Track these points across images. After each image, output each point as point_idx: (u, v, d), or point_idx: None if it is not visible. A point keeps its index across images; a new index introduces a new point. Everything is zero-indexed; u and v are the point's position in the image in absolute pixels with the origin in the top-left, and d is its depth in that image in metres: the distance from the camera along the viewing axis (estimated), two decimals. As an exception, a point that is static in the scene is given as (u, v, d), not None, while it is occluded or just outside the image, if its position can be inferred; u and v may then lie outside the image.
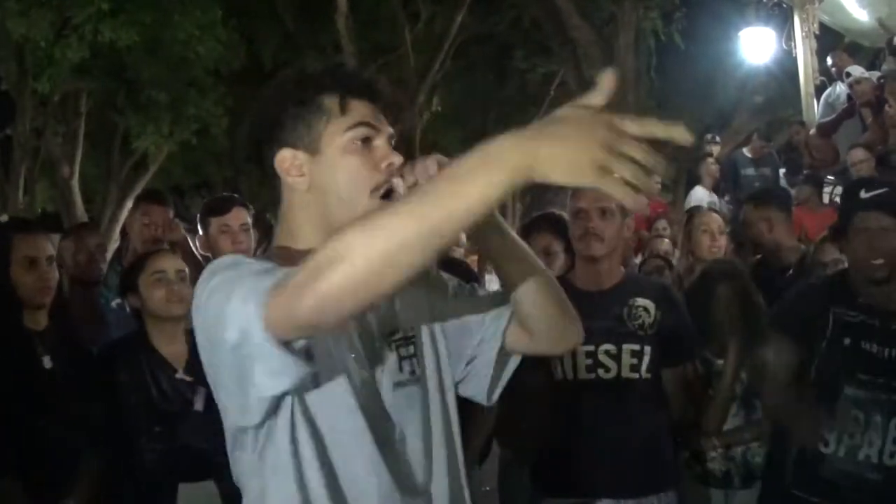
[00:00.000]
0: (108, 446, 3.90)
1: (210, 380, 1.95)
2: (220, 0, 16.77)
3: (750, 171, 11.63)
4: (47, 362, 3.83)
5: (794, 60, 13.14)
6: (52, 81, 16.49)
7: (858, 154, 9.15)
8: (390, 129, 2.06)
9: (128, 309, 5.02)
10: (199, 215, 5.08)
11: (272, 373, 1.74)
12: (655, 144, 1.69)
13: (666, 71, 19.01)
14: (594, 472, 3.74)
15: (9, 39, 16.03)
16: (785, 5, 13.71)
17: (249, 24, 19.55)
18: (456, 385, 2.28)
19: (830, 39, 13.51)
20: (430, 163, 1.97)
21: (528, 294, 2.15)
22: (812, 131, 11.54)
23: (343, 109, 2.01)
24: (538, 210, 5.99)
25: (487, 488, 5.04)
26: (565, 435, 3.77)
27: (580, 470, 3.77)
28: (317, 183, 2.02)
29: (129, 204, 17.31)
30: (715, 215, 5.89)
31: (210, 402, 3.90)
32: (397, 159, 2.01)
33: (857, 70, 11.14)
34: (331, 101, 2.01)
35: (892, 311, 3.52)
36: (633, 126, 1.59)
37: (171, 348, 4.02)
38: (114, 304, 5.13)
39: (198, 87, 17.81)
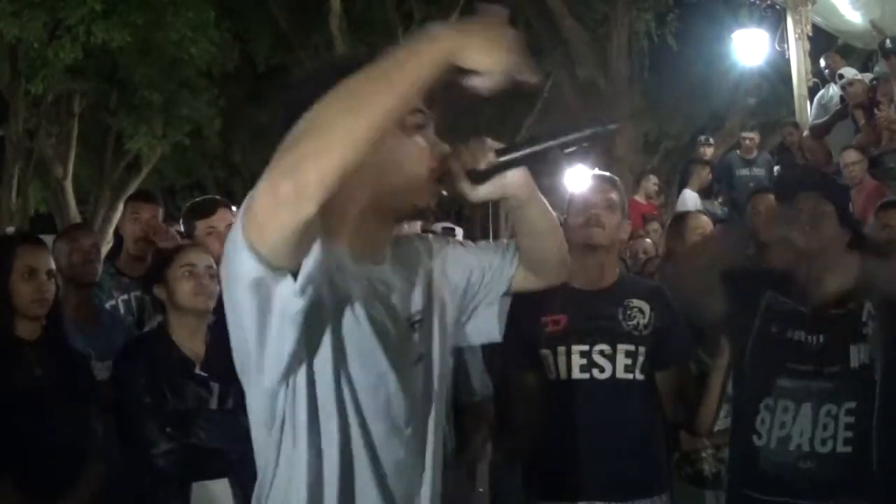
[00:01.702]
0: (107, 451, 3.90)
1: (237, 349, 1.93)
2: (212, 1, 16.77)
3: (744, 172, 11.65)
4: (38, 371, 3.83)
5: (788, 62, 13.16)
6: (44, 82, 16.48)
7: (851, 156, 9.16)
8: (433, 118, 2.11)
9: (122, 310, 5.03)
10: (183, 220, 5.05)
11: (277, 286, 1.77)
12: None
13: (659, 72, 19.08)
14: (587, 473, 3.73)
15: (1, 40, 16.01)
16: (778, 7, 13.74)
17: (242, 25, 19.56)
18: (465, 338, 2.40)
19: (823, 41, 13.54)
20: (486, 148, 2.06)
21: (548, 241, 2.30)
22: (805, 133, 11.56)
23: None
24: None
25: (481, 490, 5.03)
26: (558, 436, 3.76)
27: (573, 472, 3.75)
28: (369, 166, 1.85)
29: (122, 205, 17.33)
30: (704, 217, 5.87)
31: (223, 399, 3.94)
32: (445, 147, 2.09)
33: (850, 72, 11.16)
34: None
35: (823, 296, 3.45)
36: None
37: (191, 343, 4.03)
38: (108, 305, 5.12)
39: (190, 88, 17.83)
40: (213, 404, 3.93)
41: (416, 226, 3.70)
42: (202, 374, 3.97)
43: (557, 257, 2.36)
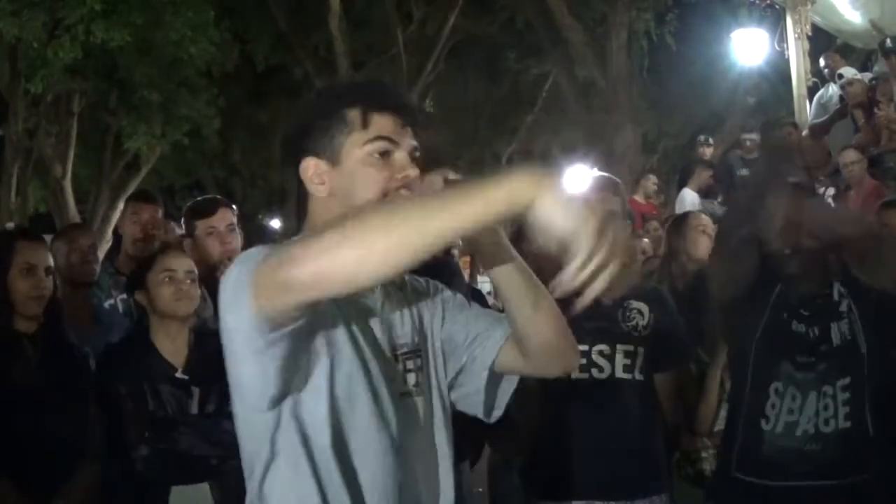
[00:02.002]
0: (102, 449, 3.90)
1: (233, 372, 2.04)
2: (212, 1, 16.77)
3: (744, 171, 11.65)
4: (36, 365, 3.83)
5: (787, 62, 13.15)
6: (44, 82, 16.47)
7: (850, 155, 9.16)
8: (413, 142, 2.14)
9: (121, 309, 5.02)
10: (183, 219, 5.03)
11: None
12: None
13: (658, 72, 19.09)
14: (586, 473, 3.73)
15: (1, 40, 16.01)
16: (777, 7, 13.73)
17: (242, 25, 19.57)
18: (453, 400, 2.33)
19: (823, 41, 13.54)
20: (437, 179, 2.10)
21: (529, 316, 2.18)
22: (804, 132, 11.55)
23: (365, 123, 2.10)
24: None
25: (480, 490, 5.03)
26: (557, 435, 3.76)
27: (572, 471, 3.75)
28: (335, 191, 2.12)
29: (122, 204, 17.32)
30: (706, 216, 5.87)
31: (204, 404, 3.93)
32: (413, 172, 2.10)
33: (849, 71, 11.16)
34: (354, 114, 2.10)
35: (813, 290, 3.54)
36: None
37: (172, 348, 4.03)
38: (107, 304, 5.12)
39: (190, 88, 17.82)
40: (194, 409, 3.93)
41: None
42: (183, 377, 3.97)
43: (540, 343, 2.22)
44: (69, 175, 19.43)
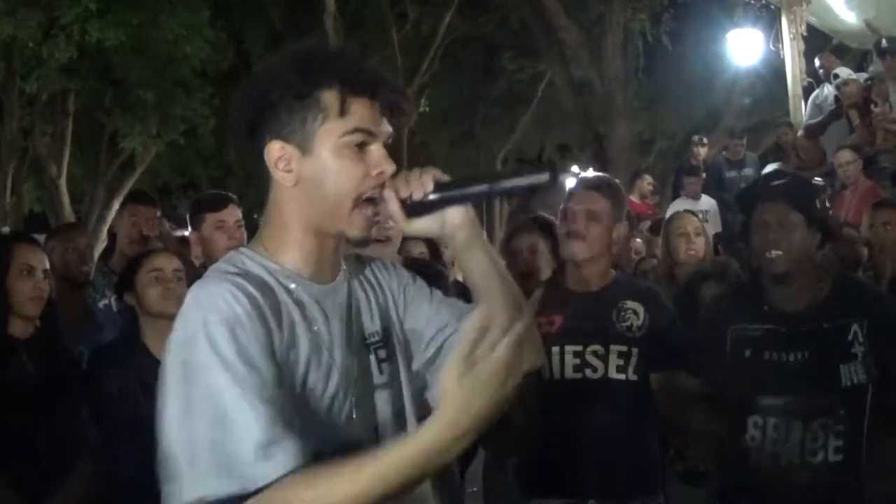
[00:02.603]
0: (95, 451, 3.90)
1: None
2: (207, 0, 16.75)
3: (732, 173, 11.70)
4: (30, 369, 3.83)
5: (782, 62, 13.16)
6: (39, 81, 16.45)
7: (845, 155, 9.16)
8: (388, 129, 2.00)
9: (115, 309, 5.02)
10: (190, 213, 5.02)
11: None
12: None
13: (654, 72, 19.09)
14: (580, 472, 3.74)
15: (-4, 39, 16.01)
16: (773, 7, 13.73)
17: (237, 25, 19.56)
18: (423, 391, 2.23)
19: (818, 41, 13.54)
20: (427, 179, 1.98)
21: (494, 294, 2.13)
22: (800, 133, 11.56)
23: (342, 110, 1.93)
24: (525, 211, 5.99)
25: (475, 489, 5.03)
26: (551, 434, 3.77)
27: (566, 470, 3.76)
28: (304, 181, 1.95)
29: (117, 204, 17.30)
30: (690, 217, 5.84)
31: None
32: (389, 168, 1.97)
33: (844, 71, 11.16)
34: (330, 98, 1.93)
35: (800, 312, 3.48)
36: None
37: (162, 348, 4.02)
38: (101, 304, 5.12)
39: (185, 88, 17.79)
40: None
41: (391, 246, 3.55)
42: None
43: None
44: (64, 175, 19.39)
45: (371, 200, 1.98)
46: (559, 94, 18.08)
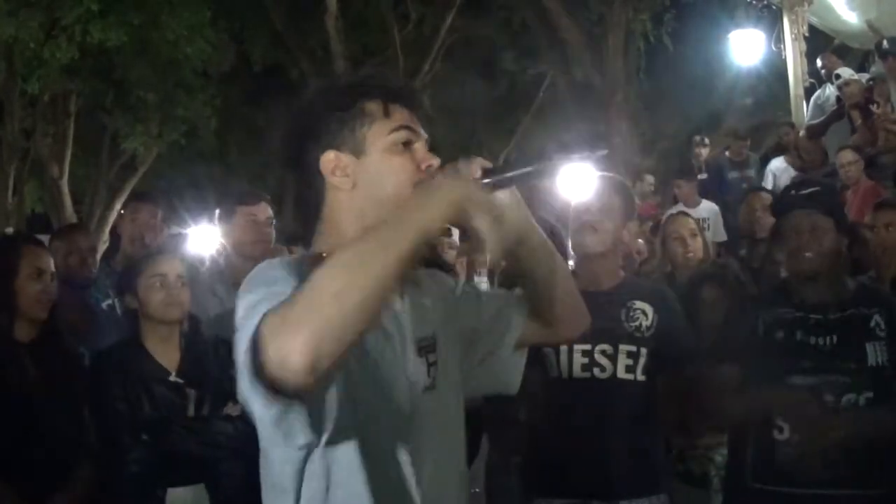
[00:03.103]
0: (98, 453, 3.90)
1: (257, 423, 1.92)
2: (208, 1, 16.75)
3: (734, 174, 11.69)
4: (32, 371, 3.82)
5: (784, 62, 13.17)
6: (41, 82, 16.47)
7: (847, 156, 9.15)
8: (426, 135, 2.17)
9: (118, 311, 5.02)
10: (223, 206, 5.01)
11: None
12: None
13: (655, 72, 19.07)
14: (586, 471, 3.73)
15: (-3, 40, 16.02)
16: (774, 7, 13.74)
17: (238, 25, 19.54)
18: (472, 386, 2.36)
19: (820, 41, 13.55)
20: (475, 167, 2.05)
21: (549, 280, 2.29)
22: (801, 133, 11.55)
23: (386, 113, 2.12)
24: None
25: (476, 490, 5.03)
26: (557, 433, 3.77)
27: (571, 469, 3.76)
28: (361, 183, 2.11)
29: (118, 205, 17.31)
30: (686, 219, 5.83)
31: (200, 406, 3.93)
32: (435, 161, 2.13)
33: (846, 72, 11.16)
34: (374, 106, 2.12)
35: (827, 303, 3.65)
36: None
37: (165, 351, 4.03)
38: (105, 305, 5.12)
39: (186, 88, 17.79)
40: (191, 411, 3.93)
41: None
42: (178, 381, 3.97)
43: (565, 303, 2.35)
44: (66, 175, 19.40)
45: None
46: (561, 95, 18.07)
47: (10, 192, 19.26)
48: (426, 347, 2.19)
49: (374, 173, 2.10)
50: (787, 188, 4.00)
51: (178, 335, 4.07)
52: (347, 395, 1.89)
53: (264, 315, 1.72)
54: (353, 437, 1.99)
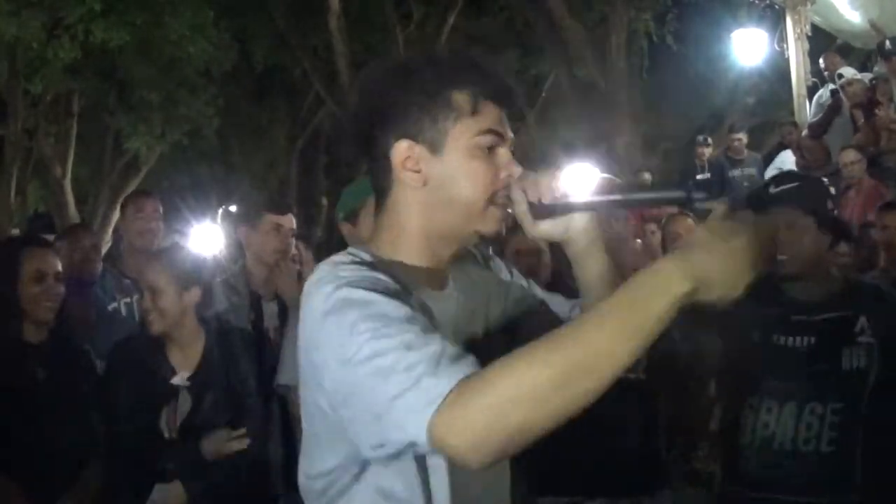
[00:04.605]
0: (104, 454, 3.91)
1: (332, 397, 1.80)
2: (211, 0, 16.75)
3: (736, 172, 11.69)
4: (41, 374, 3.82)
5: (787, 62, 13.16)
6: (43, 82, 16.48)
7: (850, 155, 9.16)
8: (512, 135, 2.00)
9: (123, 313, 5.03)
10: (248, 210, 5.03)
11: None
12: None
13: (658, 72, 19.07)
14: (586, 469, 3.74)
15: (0, 40, 16.00)
16: (777, 7, 13.73)
17: (241, 25, 19.52)
18: None
19: (822, 41, 13.54)
20: (556, 185, 1.97)
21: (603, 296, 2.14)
22: (803, 133, 11.56)
23: (474, 111, 1.93)
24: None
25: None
26: (557, 431, 3.76)
27: (572, 467, 3.76)
28: (433, 182, 1.93)
29: (120, 206, 17.31)
30: (685, 219, 5.82)
31: (195, 412, 3.94)
32: (517, 171, 1.97)
33: (849, 71, 11.17)
34: (462, 99, 1.93)
35: (814, 303, 3.51)
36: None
37: (182, 352, 4.03)
38: (110, 307, 5.11)
39: (189, 88, 17.80)
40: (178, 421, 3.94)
41: None
42: (180, 384, 3.97)
43: None
44: (69, 175, 19.40)
45: (501, 200, 1.97)
46: (563, 95, 18.06)
47: (13, 192, 19.26)
48: (482, 342, 2.07)
49: (448, 175, 1.92)
50: (766, 184, 3.83)
51: (196, 337, 4.08)
52: None
53: (433, 371, 1.62)
54: None
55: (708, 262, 1.64)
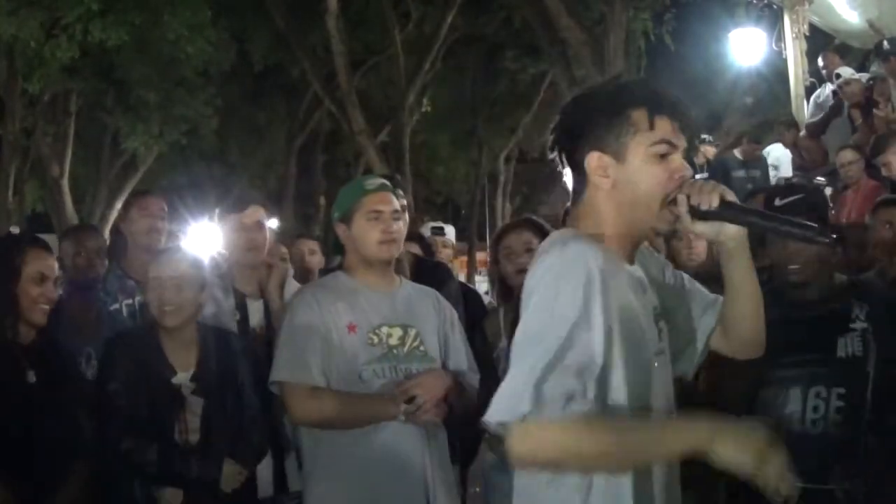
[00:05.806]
0: (92, 453, 3.90)
1: None
2: (209, 0, 16.75)
3: (740, 173, 11.65)
4: (31, 377, 3.80)
5: (784, 61, 13.15)
6: (41, 81, 16.49)
7: (847, 155, 9.14)
8: (685, 143, 2.38)
9: (125, 314, 5.02)
10: (219, 213, 5.00)
11: None
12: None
13: (656, 72, 19.06)
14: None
15: (-2, 39, 16.04)
16: (775, 6, 13.72)
17: (239, 25, 19.55)
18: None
19: (820, 40, 13.53)
20: (715, 196, 2.32)
21: (750, 310, 2.58)
22: (801, 133, 11.55)
23: (651, 124, 2.32)
24: (527, 210, 6.01)
25: (477, 489, 5.03)
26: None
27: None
28: (620, 185, 2.34)
29: (119, 204, 17.30)
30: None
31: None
32: (688, 172, 2.36)
33: (846, 71, 11.15)
34: (639, 116, 2.33)
35: (813, 301, 3.64)
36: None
37: (178, 352, 4.03)
38: (112, 308, 5.09)
39: (187, 88, 17.82)
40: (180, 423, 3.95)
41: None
42: (180, 384, 3.97)
43: (750, 331, 2.62)
44: (66, 175, 19.42)
45: (672, 201, 2.34)
46: (561, 94, 18.07)
47: (10, 192, 19.28)
48: (658, 315, 2.45)
49: (631, 178, 2.32)
50: (770, 197, 3.91)
51: (194, 338, 4.07)
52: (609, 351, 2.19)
53: (539, 396, 2.05)
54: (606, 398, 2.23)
55: (734, 457, 2.05)
